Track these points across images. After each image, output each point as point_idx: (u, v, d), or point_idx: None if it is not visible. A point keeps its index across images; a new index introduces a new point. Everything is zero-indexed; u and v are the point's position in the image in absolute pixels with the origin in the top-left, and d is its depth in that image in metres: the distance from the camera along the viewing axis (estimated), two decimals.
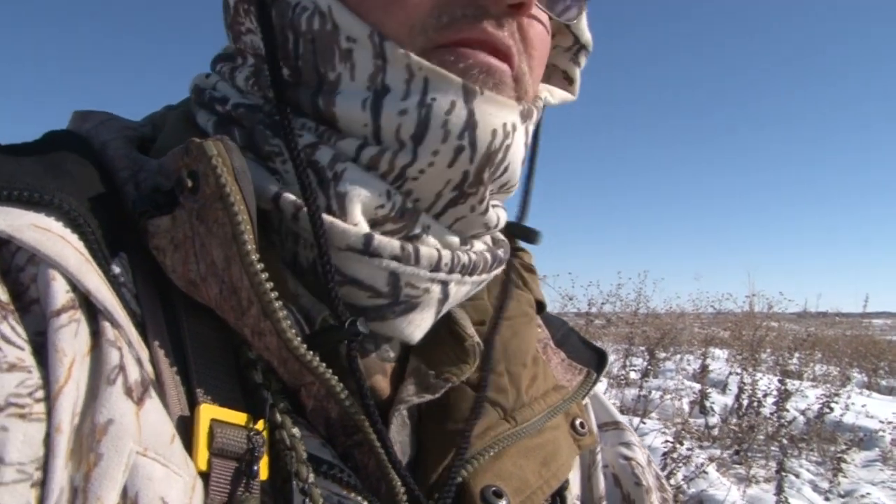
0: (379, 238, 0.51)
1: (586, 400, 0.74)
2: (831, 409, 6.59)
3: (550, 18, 0.60)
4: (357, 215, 0.51)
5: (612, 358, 8.96)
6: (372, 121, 0.51)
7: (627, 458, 0.74)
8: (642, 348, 8.97)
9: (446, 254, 0.54)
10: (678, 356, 9.60)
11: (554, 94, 0.69)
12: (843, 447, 5.78)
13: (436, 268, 0.53)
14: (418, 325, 0.55)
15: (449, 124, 0.50)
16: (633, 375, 7.85)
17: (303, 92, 0.54)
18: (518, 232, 0.70)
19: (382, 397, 0.56)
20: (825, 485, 5.60)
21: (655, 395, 7.24)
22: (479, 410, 0.57)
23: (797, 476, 5.75)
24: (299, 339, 0.47)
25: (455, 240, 0.57)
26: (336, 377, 0.48)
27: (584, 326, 8.57)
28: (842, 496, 5.46)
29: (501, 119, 0.52)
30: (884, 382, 10.36)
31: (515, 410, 0.60)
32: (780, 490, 4.89)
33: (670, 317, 10.44)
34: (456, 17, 0.52)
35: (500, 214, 0.60)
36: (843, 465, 5.59)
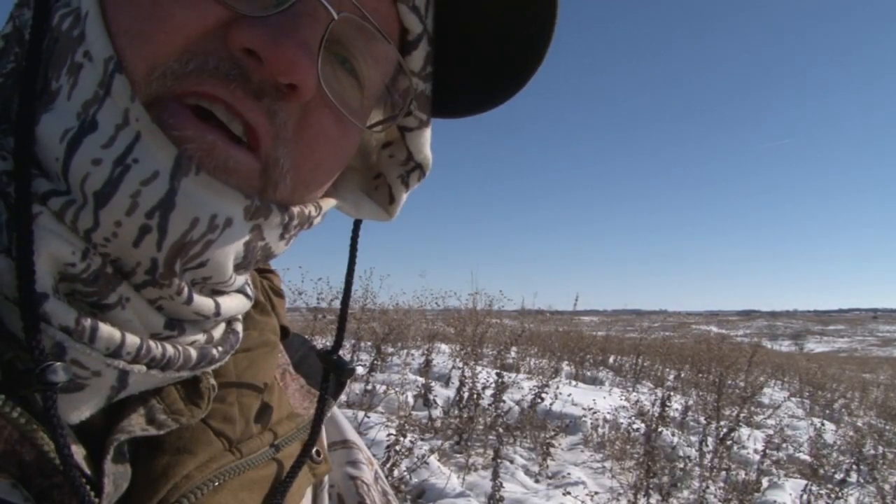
0: (52, 303, 0.44)
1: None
2: (542, 399, 7.20)
3: (388, 120, 0.58)
4: (40, 269, 0.44)
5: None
6: (64, 157, 0.44)
7: (353, 478, 0.73)
8: (369, 343, 9.11)
9: (132, 340, 0.47)
10: (404, 351, 9.86)
11: (360, 210, 0.64)
12: (552, 433, 6.38)
13: (114, 353, 0.46)
14: (76, 408, 0.47)
15: (140, 196, 0.44)
16: (360, 370, 8.11)
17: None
18: (326, 363, 0.66)
19: (95, 426, 0.50)
20: (536, 468, 6.09)
21: (381, 389, 7.36)
22: (202, 441, 0.54)
23: (511, 462, 6.22)
24: None
25: (158, 321, 0.50)
26: (35, 423, 0.44)
27: (313, 321, 8.53)
28: (549, 477, 5.97)
29: (212, 209, 0.46)
30: (588, 373, 11.63)
31: (242, 442, 0.57)
32: (495, 476, 5.21)
33: (397, 312, 10.73)
34: (204, 68, 0.45)
35: (224, 303, 0.54)
36: (552, 450, 6.17)
